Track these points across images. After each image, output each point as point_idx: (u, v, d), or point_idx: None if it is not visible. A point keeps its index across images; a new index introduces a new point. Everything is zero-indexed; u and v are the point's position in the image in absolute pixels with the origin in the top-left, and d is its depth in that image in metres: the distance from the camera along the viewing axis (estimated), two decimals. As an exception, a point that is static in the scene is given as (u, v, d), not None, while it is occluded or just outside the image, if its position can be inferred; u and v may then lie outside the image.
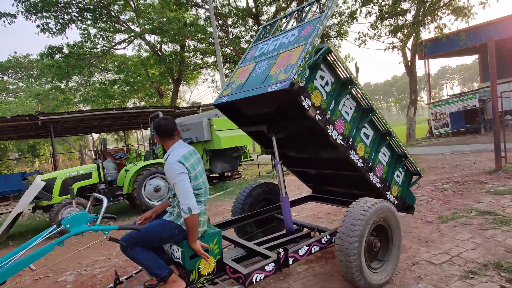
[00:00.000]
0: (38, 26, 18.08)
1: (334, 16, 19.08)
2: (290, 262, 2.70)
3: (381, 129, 3.29)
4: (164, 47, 24.31)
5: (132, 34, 21.52)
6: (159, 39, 21.86)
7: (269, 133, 3.34)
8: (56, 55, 20.98)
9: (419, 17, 15.16)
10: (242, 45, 25.26)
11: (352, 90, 2.98)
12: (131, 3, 21.81)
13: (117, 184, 7.33)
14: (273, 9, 23.04)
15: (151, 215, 2.63)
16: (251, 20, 23.07)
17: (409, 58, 17.28)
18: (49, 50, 20.27)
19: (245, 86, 3.00)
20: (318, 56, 2.62)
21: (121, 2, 21.52)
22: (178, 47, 23.47)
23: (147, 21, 19.59)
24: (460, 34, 15.76)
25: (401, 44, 16.13)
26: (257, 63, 3.11)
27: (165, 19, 18.63)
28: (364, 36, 15.69)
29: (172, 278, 2.37)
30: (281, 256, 2.62)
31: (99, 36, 23.08)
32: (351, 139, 3.03)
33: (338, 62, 2.81)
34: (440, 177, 7.06)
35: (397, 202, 3.67)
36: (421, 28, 15.36)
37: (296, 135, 3.56)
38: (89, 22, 21.61)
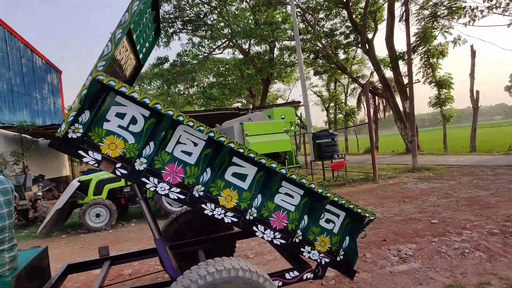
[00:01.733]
0: (145, 41, 20.85)
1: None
2: None
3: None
4: (256, 48, 24.85)
5: (223, 39, 22.71)
6: (246, 41, 22.40)
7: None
8: (165, 64, 24.06)
9: None
10: (336, 38, 23.49)
11: (187, 120, 1.95)
12: (224, 10, 22.99)
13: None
14: (365, -6, 20.48)
15: None
16: (345, 10, 21.09)
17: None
18: (158, 60, 23.52)
19: None
20: (78, 94, 1.77)
21: (217, 11, 23.02)
22: (268, 48, 23.61)
23: (225, 25, 20.37)
24: None
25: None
26: None
27: (246, 21, 18.91)
28: (472, 10, 12.11)
29: None
30: None
31: (202, 44, 25.27)
32: (201, 188, 2.09)
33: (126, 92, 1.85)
34: (531, 211, 4.69)
35: (328, 260, 2.45)
36: None
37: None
38: (190, 33, 23.88)
